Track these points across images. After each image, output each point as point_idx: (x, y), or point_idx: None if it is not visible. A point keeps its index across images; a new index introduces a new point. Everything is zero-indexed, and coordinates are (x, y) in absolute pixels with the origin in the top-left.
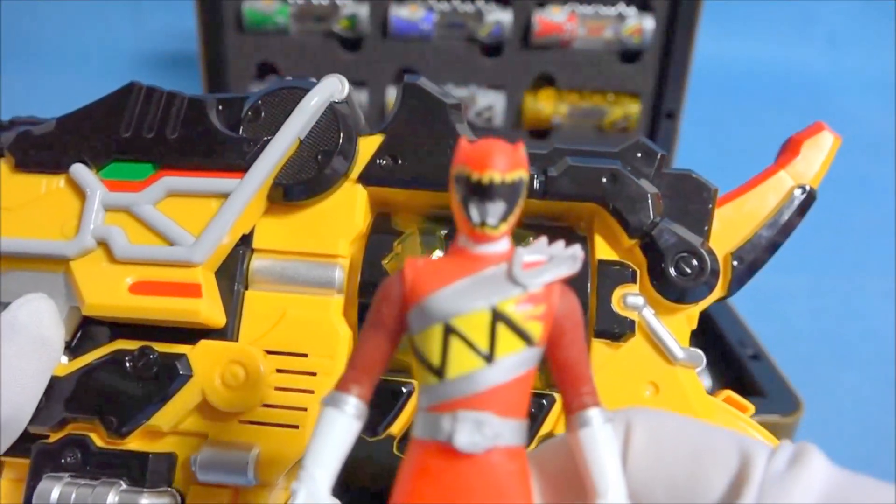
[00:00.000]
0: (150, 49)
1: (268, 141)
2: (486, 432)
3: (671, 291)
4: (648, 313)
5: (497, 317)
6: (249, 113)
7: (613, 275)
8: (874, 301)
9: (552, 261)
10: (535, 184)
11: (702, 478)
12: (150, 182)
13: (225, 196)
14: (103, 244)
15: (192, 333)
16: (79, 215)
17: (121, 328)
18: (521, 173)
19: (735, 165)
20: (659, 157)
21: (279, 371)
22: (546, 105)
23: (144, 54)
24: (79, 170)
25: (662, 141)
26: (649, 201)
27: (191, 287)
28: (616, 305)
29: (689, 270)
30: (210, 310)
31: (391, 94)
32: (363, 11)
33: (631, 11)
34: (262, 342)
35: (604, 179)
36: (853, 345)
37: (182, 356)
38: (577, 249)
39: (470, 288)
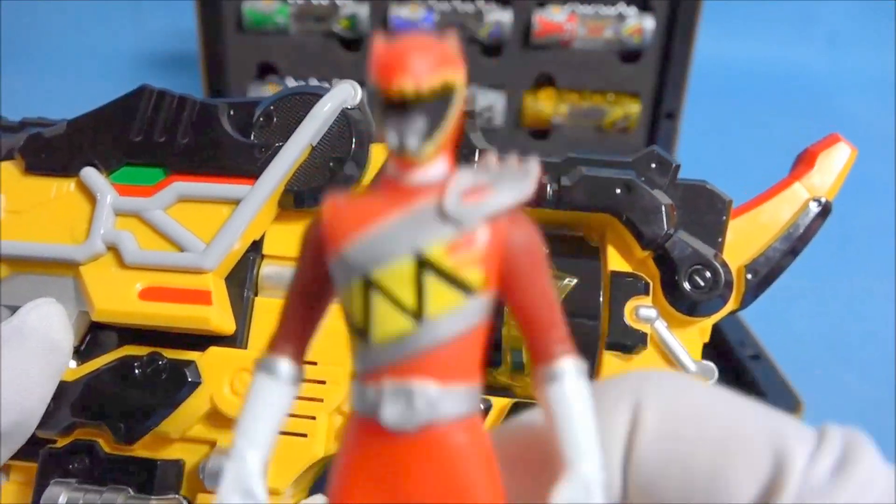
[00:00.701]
0: (150, 49)
1: (279, 147)
2: (418, 405)
3: (684, 304)
4: (661, 326)
5: (425, 265)
6: (261, 118)
7: (626, 287)
8: (874, 302)
9: (496, 184)
10: (549, 193)
11: (725, 479)
12: (161, 187)
13: (236, 202)
14: (113, 249)
15: (202, 340)
16: (89, 219)
17: (129, 333)
18: (447, 76)
19: (735, 165)
20: (673, 167)
21: None
22: (546, 105)
23: (144, 54)
24: (89, 173)
25: (662, 141)
26: (663, 213)
27: (201, 294)
28: (628, 318)
29: (702, 283)
30: (220, 317)
31: None
32: (363, 11)
33: (631, 11)
34: (261, 344)
35: (618, 190)
36: (854, 345)
37: (191, 363)
38: (529, 166)
39: (391, 230)
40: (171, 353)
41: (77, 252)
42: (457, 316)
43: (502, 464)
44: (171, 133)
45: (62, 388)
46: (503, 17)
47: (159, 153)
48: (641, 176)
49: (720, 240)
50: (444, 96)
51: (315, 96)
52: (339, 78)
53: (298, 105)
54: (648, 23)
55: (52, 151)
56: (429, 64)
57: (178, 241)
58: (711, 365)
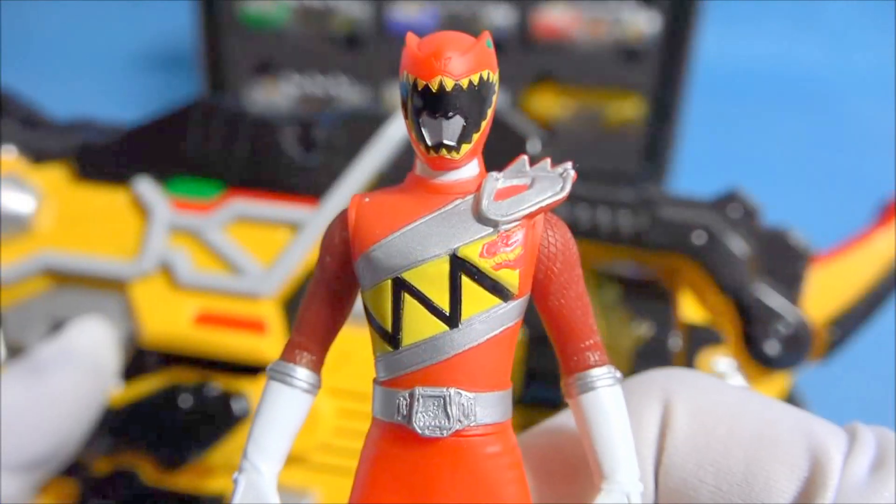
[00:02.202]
0: (149, 49)
1: (342, 169)
2: (452, 412)
3: (762, 357)
4: (738, 380)
5: (460, 266)
6: (322, 138)
7: (701, 336)
8: None
9: (533, 185)
10: (625, 230)
11: (761, 478)
12: (219, 204)
13: (297, 225)
14: (165, 268)
15: (255, 366)
16: (141, 234)
17: (177, 355)
18: (485, 74)
19: (737, 165)
20: (755, 211)
21: (341, 413)
22: (546, 104)
23: (144, 54)
24: (143, 183)
25: (663, 141)
26: (744, 262)
27: (256, 323)
28: (703, 370)
29: (782, 336)
30: (275, 349)
31: (390, 94)
32: (363, 11)
33: (632, 10)
34: (327, 381)
35: (698, 233)
36: (853, 345)
37: (241, 396)
38: (566, 168)
39: (425, 230)
40: (221, 379)
41: (127, 269)
42: (492, 318)
43: (529, 470)
44: (227, 147)
45: (106, 412)
46: (503, 17)
47: (216, 167)
48: (721, 219)
49: (800, 291)
50: (481, 94)
51: (380, 119)
52: (338, 78)
53: (363, 126)
54: (650, 22)
55: (105, 159)
56: (468, 60)
57: (235, 262)
58: None
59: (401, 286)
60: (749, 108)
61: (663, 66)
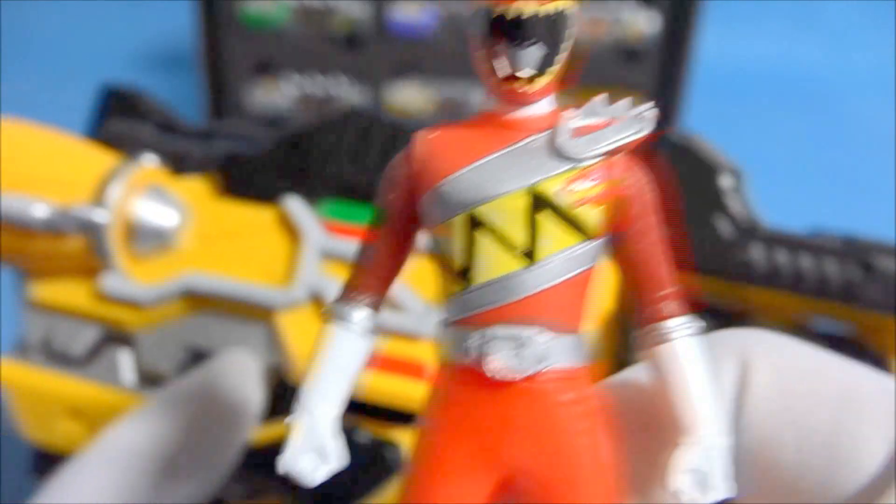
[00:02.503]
0: (148, 49)
1: None
2: (527, 353)
3: None
4: None
5: (538, 202)
6: None
7: None
8: None
9: (613, 124)
10: (833, 281)
11: (849, 438)
12: None
13: None
14: (317, 298)
15: (411, 412)
16: (290, 259)
17: None
18: (564, 3)
19: (739, 165)
20: None
21: None
22: None
23: (144, 54)
24: (294, 203)
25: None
26: None
27: (415, 366)
28: None
29: None
30: None
31: (390, 94)
32: (363, 11)
33: (632, 10)
34: None
35: None
36: None
37: (394, 445)
38: (647, 108)
39: (500, 165)
40: (371, 426)
41: (276, 297)
42: (569, 259)
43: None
44: (385, 165)
45: (247, 452)
46: None
47: (371, 187)
48: None
49: None
50: (559, 24)
51: None
52: (338, 78)
53: None
54: (650, 22)
55: (252, 173)
56: None
57: (394, 298)
58: None
59: (473, 223)
60: (749, 108)
61: (663, 66)
